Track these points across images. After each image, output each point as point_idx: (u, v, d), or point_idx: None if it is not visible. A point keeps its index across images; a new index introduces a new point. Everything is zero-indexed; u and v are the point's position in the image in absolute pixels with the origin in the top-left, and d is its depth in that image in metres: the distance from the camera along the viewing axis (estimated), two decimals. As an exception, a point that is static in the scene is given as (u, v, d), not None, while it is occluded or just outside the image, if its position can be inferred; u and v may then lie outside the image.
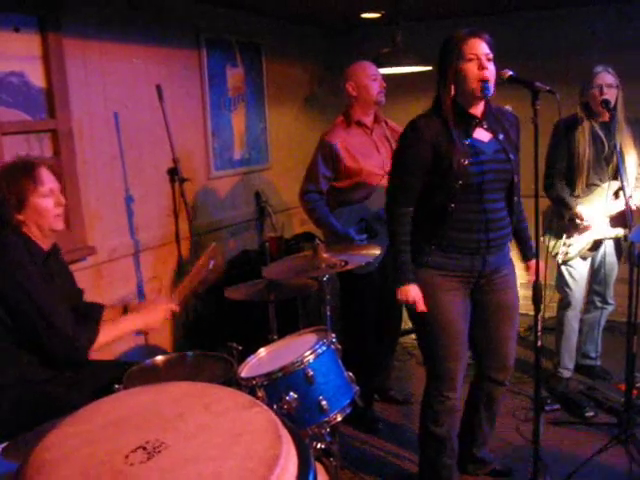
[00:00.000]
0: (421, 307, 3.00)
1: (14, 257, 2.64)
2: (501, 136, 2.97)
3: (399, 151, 3.08)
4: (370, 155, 4.02)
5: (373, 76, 4.03)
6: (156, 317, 3.02)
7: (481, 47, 2.80)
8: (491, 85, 2.81)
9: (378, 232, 3.98)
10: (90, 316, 3.04)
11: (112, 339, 2.85)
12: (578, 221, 4.08)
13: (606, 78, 3.97)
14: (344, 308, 4.30)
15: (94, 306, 3.21)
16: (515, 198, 3.01)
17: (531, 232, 3.02)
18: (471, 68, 2.80)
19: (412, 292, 2.99)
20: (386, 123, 4.20)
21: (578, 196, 4.10)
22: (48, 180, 2.77)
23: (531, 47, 5.54)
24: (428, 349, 3.19)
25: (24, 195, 2.71)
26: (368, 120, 4.10)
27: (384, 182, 3.88)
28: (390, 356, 4.56)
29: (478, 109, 2.94)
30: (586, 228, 4.09)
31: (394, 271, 3.08)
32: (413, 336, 5.36)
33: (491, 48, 2.83)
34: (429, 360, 3.20)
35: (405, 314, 4.99)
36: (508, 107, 3.18)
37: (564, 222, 4.17)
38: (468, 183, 2.87)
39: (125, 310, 3.25)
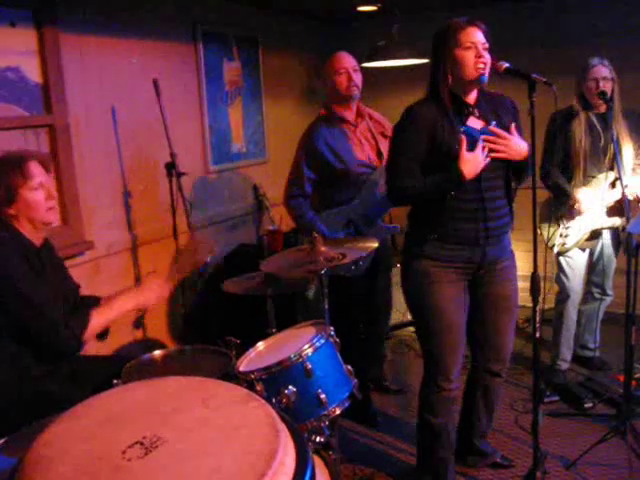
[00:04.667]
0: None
1: (1, 252, 2.64)
2: (493, 123, 2.98)
3: (395, 137, 3.08)
4: (354, 152, 3.92)
5: (340, 69, 3.89)
6: (149, 294, 3.00)
7: (478, 36, 2.84)
8: (486, 73, 2.84)
9: (367, 234, 3.91)
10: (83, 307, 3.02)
11: (106, 321, 2.83)
12: (577, 206, 4.09)
13: (602, 71, 3.98)
14: (334, 307, 4.27)
15: (90, 299, 3.21)
16: (513, 184, 3.02)
17: (529, 224, 3.00)
18: (469, 56, 2.84)
19: (469, 157, 2.87)
20: (370, 117, 4.09)
21: (576, 186, 4.11)
22: (38, 173, 2.76)
23: (530, 38, 5.53)
24: (425, 340, 3.21)
25: (14, 189, 2.70)
26: (350, 115, 4.00)
27: (371, 179, 3.85)
28: (380, 348, 4.56)
29: (471, 97, 2.98)
30: (582, 212, 4.09)
31: (441, 188, 2.93)
32: (411, 329, 5.38)
33: (487, 38, 2.87)
34: (426, 351, 3.22)
35: (402, 306, 5.05)
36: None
37: (561, 213, 4.18)
38: None
39: None
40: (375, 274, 4.07)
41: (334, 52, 4.05)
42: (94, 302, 3.15)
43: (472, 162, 2.84)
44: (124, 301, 2.94)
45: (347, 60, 3.94)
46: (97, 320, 2.78)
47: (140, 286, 3.09)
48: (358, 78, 3.92)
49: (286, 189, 4.12)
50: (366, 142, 3.99)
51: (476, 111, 2.98)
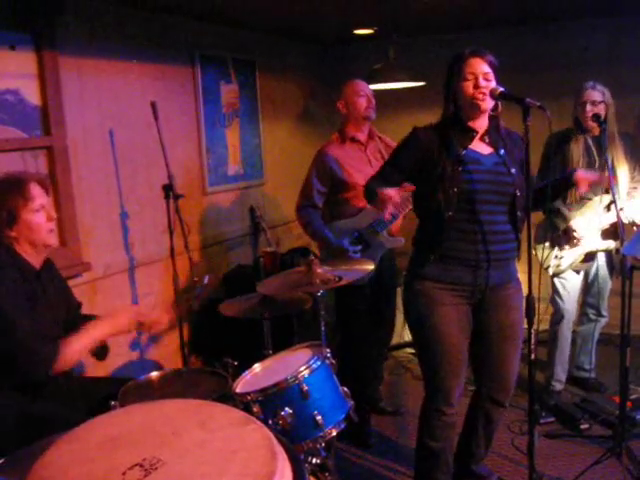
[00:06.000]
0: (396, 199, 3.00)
1: None
2: (502, 151, 3.02)
3: (394, 149, 3.25)
4: (363, 170, 4.07)
5: (360, 92, 4.15)
6: (122, 320, 2.93)
7: (480, 66, 2.89)
8: (483, 103, 2.89)
9: (371, 244, 4.07)
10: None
11: (80, 349, 2.75)
12: (572, 235, 4.11)
13: (592, 94, 4.03)
14: (340, 319, 4.33)
15: (88, 319, 3.21)
16: (518, 213, 3.02)
17: (524, 245, 3.03)
18: (467, 87, 2.90)
19: (387, 190, 2.99)
20: (380, 139, 4.29)
21: (570, 208, 4.13)
22: (38, 195, 2.76)
23: (524, 62, 5.56)
24: (425, 363, 3.20)
25: (15, 211, 2.69)
26: (362, 136, 4.21)
27: None
28: (379, 366, 4.59)
29: (479, 123, 3.01)
30: (577, 243, 4.13)
31: (369, 200, 3.20)
32: (408, 350, 5.39)
33: (492, 67, 2.92)
34: (426, 374, 3.20)
35: (398, 327, 5.06)
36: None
37: (557, 234, 4.20)
38: (463, 190, 2.91)
39: None
40: (379, 285, 4.12)
41: (351, 79, 4.29)
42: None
43: (382, 199, 2.98)
44: (98, 328, 2.86)
45: (366, 86, 4.24)
46: (70, 347, 2.74)
47: (113, 313, 3.05)
48: (374, 103, 4.20)
49: (297, 200, 4.30)
50: (374, 160, 4.17)
51: (485, 137, 3.02)
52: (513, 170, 3.00)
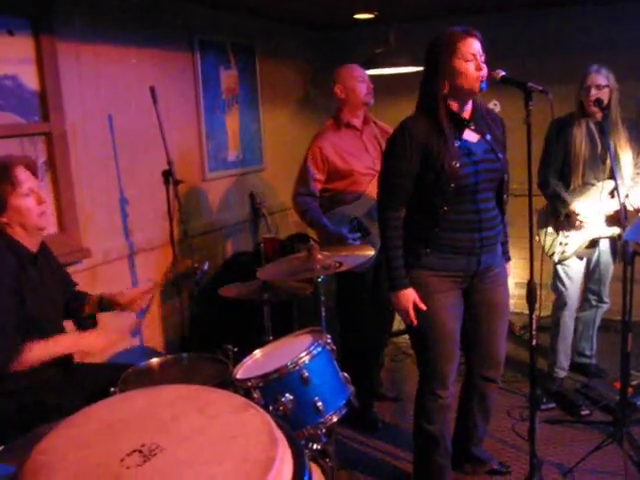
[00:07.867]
0: (421, 307, 3.01)
1: None
2: (488, 136, 3.00)
3: (388, 154, 3.07)
4: (360, 156, 4.07)
5: (360, 78, 4.09)
6: (93, 344, 2.84)
7: (477, 47, 2.84)
8: (485, 83, 2.85)
9: (370, 231, 4.03)
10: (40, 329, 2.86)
11: (41, 357, 2.67)
12: (575, 219, 4.10)
13: (596, 79, 3.99)
14: (341, 306, 4.32)
15: (79, 296, 3.20)
16: (505, 196, 3.06)
17: (525, 231, 3.02)
18: (470, 68, 2.82)
19: (409, 296, 3.01)
20: (375, 124, 4.24)
21: (573, 194, 4.12)
22: (25, 179, 2.73)
23: (527, 46, 5.54)
24: (420, 348, 3.21)
25: (3, 197, 2.68)
26: (357, 122, 4.15)
27: (375, 182, 3.91)
28: (380, 352, 4.60)
29: (467, 109, 2.98)
30: (581, 225, 4.11)
31: (388, 277, 3.09)
32: (407, 336, 5.38)
33: (483, 47, 2.87)
34: (421, 359, 3.22)
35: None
36: (494, 102, 3.21)
37: (560, 221, 4.18)
38: (461, 185, 2.89)
39: (100, 300, 3.20)
40: (380, 272, 4.11)
41: (346, 63, 4.22)
42: (81, 300, 3.17)
43: (400, 301, 3.02)
44: (66, 343, 2.79)
45: (364, 72, 4.19)
46: (33, 353, 2.64)
47: (89, 331, 3.01)
48: (372, 88, 4.15)
49: (293, 189, 4.24)
50: (371, 146, 4.14)
51: (472, 124, 2.99)
52: (500, 155, 3.00)
